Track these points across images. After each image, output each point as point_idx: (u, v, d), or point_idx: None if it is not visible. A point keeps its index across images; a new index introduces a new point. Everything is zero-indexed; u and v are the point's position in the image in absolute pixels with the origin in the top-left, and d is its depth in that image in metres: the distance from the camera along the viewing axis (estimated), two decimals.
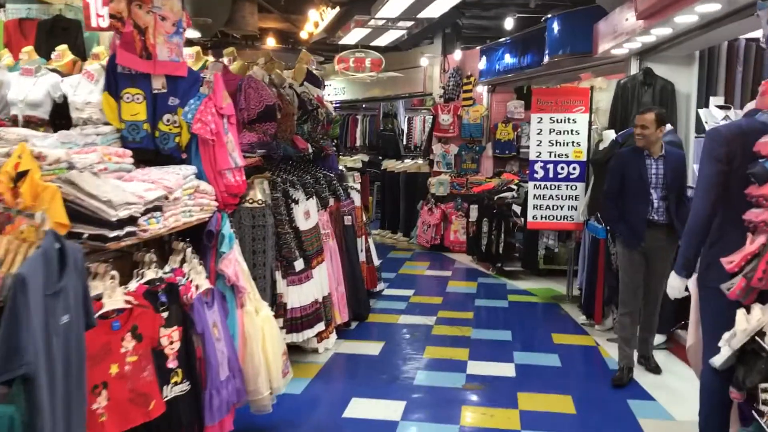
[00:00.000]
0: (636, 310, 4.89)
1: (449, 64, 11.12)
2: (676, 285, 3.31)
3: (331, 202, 6.08)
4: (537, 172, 7.09)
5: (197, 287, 3.13)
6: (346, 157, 14.61)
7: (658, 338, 5.68)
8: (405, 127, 15.22)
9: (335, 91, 14.53)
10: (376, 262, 7.40)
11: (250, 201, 4.53)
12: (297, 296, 4.96)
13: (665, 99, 6.50)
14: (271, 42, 10.58)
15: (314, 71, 6.92)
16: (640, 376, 4.94)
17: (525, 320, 6.68)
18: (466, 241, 9.95)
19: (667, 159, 4.70)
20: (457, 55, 10.95)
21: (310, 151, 5.77)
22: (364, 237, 6.99)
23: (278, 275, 4.86)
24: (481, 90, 11.00)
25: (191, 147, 3.35)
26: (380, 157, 13.85)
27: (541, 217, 7.08)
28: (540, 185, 7.07)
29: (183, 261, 3.18)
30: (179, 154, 3.35)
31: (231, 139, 3.47)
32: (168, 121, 3.36)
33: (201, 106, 3.29)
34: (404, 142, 15.06)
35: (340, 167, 7.45)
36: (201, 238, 3.39)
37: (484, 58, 10.49)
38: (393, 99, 13.78)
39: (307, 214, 5.35)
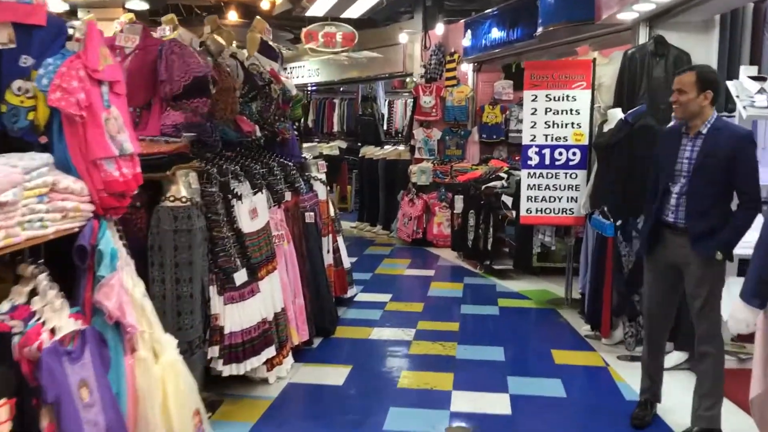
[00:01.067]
0: (658, 336, 3.90)
1: (431, 41, 10.11)
2: (742, 317, 2.37)
3: (288, 196, 5.08)
4: (531, 159, 6.11)
5: (53, 331, 2.14)
6: (323, 143, 13.62)
7: (679, 356, 4.75)
8: (385, 112, 14.22)
9: (309, 72, 13.47)
10: (347, 263, 6.42)
11: (171, 199, 3.52)
12: (238, 317, 3.96)
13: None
14: (233, 16, 9.54)
15: (270, 42, 5.91)
16: (668, 412, 3.99)
17: (519, 332, 5.73)
18: (450, 236, 8.99)
19: (706, 139, 3.49)
20: (440, 29, 9.93)
21: (259, 134, 4.76)
22: (331, 235, 6.00)
23: (213, 291, 3.86)
24: (466, 69, 10.00)
25: (52, 127, 2.34)
26: (359, 144, 12.86)
27: (536, 211, 6.12)
28: (534, 173, 6.11)
29: (34, 293, 2.19)
30: (35, 137, 2.35)
31: (116, 116, 2.46)
32: (20, 89, 2.35)
33: (63, 67, 2.28)
34: (385, 128, 14.07)
35: (305, 155, 6.44)
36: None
37: (469, 33, 9.48)
38: (370, 81, 12.75)
39: (254, 212, 4.35)
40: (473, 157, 10.03)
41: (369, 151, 11.33)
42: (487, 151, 10.10)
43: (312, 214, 5.39)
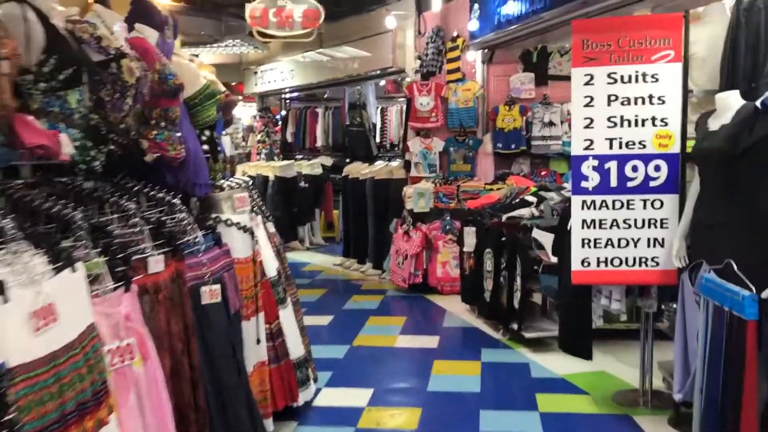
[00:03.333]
0: None
1: (426, 25, 7.81)
2: None
3: (156, 266, 2.75)
4: (587, 179, 3.76)
5: None
6: (303, 161, 11.35)
7: None
8: (378, 121, 11.93)
9: (282, 75, 11.22)
10: (298, 351, 4.07)
11: None
12: None
13: None
14: None
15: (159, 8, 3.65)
16: None
17: None
18: (460, 281, 6.64)
19: None
20: (437, 7, 7.61)
21: (70, 151, 2.42)
22: (263, 314, 3.66)
23: None
24: (473, 59, 7.69)
25: None
26: (348, 160, 10.59)
27: (598, 262, 3.77)
28: (594, 203, 3.75)
29: None
30: None
31: None
32: None
33: None
34: (378, 140, 11.80)
35: (234, 180, 4.10)
36: None
37: (476, 8, 7.15)
38: (354, 82, 10.45)
39: (45, 315, 2.02)
40: (486, 174, 7.71)
41: (354, 169, 9.02)
42: (504, 165, 7.77)
43: (214, 289, 3.05)
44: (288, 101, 12.36)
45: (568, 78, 7.89)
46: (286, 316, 4.09)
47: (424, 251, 7.15)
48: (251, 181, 4.57)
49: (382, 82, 12.44)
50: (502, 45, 7.19)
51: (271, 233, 4.41)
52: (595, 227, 3.74)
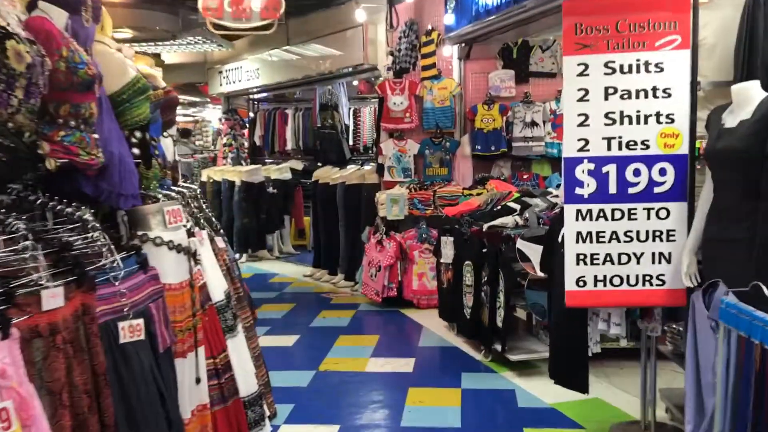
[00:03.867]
0: None
1: (398, 18, 7.28)
2: None
3: (53, 301, 2.17)
4: (581, 184, 3.24)
5: None
6: (272, 165, 10.78)
7: None
8: (351, 123, 11.39)
9: (247, 75, 10.63)
10: (250, 388, 3.50)
11: None
12: None
13: None
14: None
15: None
16: None
17: None
18: (438, 295, 6.11)
19: None
20: None
21: None
22: (203, 348, 3.10)
23: None
24: (449, 54, 7.17)
25: None
26: (320, 164, 10.04)
27: (595, 281, 3.25)
28: (589, 212, 3.23)
29: None
30: None
31: None
32: None
33: None
34: (350, 142, 11.27)
35: (184, 186, 3.53)
36: None
37: None
38: (321, 80, 9.89)
39: None
40: (465, 179, 7.20)
41: (324, 174, 8.46)
42: (484, 168, 7.26)
43: (135, 324, 2.48)
44: (256, 102, 11.76)
45: (551, 75, 7.51)
46: (237, 346, 3.52)
47: (398, 262, 6.61)
48: (198, 190, 4.00)
49: (355, 82, 11.93)
50: (480, 38, 6.68)
51: (221, 249, 3.84)
52: (591, 241, 3.22)
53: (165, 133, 4.22)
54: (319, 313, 6.61)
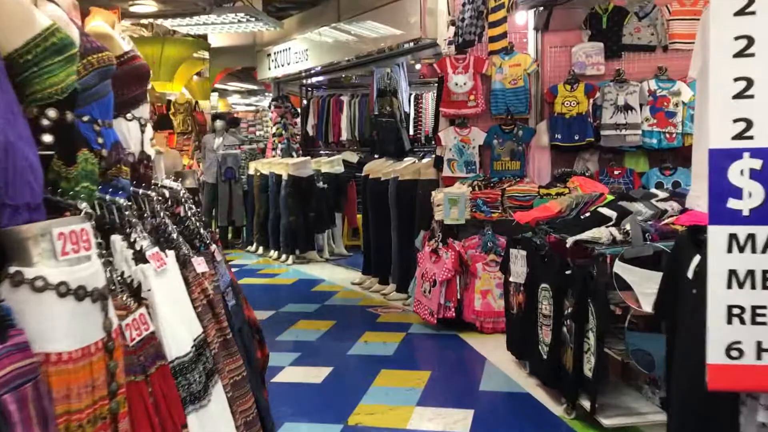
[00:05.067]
0: None
1: None
2: None
3: None
4: (739, 193, 1.99)
5: None
6: (322, 157, 9.75)
7: None
8: (411, 110, 10.24)
9: (296, 57, 9.60)
10: None
11: None
12: None
13: None
14: None
15: None
16: None
17: None
18: (505, 321, 4.90)
19: None
20: None
21: None
22: (160, 424, 2.02)
23: None
24: (524, 21, 5.91)
25: None
26: (376, 156, 8.95)
27: (758, 351, 2.00)
28: (752, 239, 1.99)
29: None
30: None
31: None
32: None
33: None
34: (411, 132, 10.14)
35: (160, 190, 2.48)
36: None
37: None
38: (374, 61, 8.78)
39: None
40: (540, 174, 5.96)
41: (375, 168, 7.36)
42: (565, 162, 6.01)
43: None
44: (309, 89, 10.74)
45: (649, 48, 6.13)
46: (207, 420, 2.44)
47: (457, 276, 5.44)
48: (183, 191, 2.95)
49: (418, 66, 10.76)
50: (562, 1, 5.39)
51: (201, 274, 2.77)
52: (754, 286, 1.97)
53: (130, 115, 3.15)
54: (361, 334, 5.51)
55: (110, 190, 2.40)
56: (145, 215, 2.23)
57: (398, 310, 6.34)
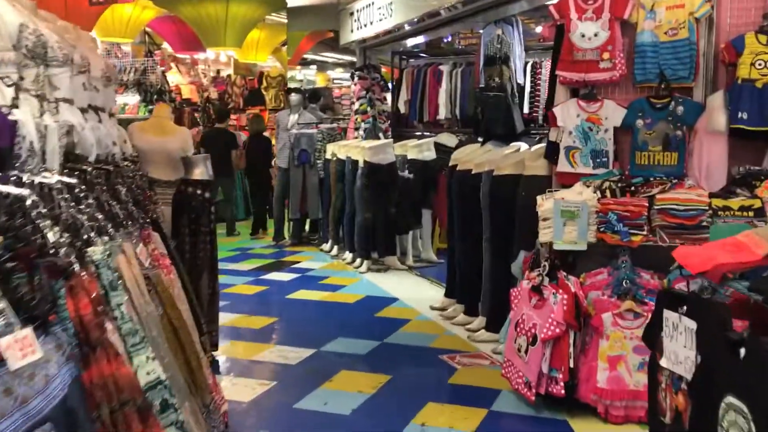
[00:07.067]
0: None
1: None
2: None
3: None
4: None
5: None
6: (411, 140, 7.93)
7: None
8: (527, 82, 8.22)
9: (379, 13, 7.75)
10: None
11: None
12: None
13: None
14: None
15: None
16: None
17: None
18: (648, 416, 2.89)
19: None
20: None
21: None
22: None
23: None
24: None
25: None
26: (480, 139, 7.02)
27: None
28: None
29: None
30: None
31: None
32: None
33: None
34: (526, 110, 8.13)
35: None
36: None
37: None
38: (470, 15, 6.80)
39: None
40: (711, 173, 3.85)
41: (465, 157, 5.48)
42: (751, 156, 3.85)
43: None
44: (404, 57, 8.90)
45: None
46: None
47: (570, 333, 3.47)
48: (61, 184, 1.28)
49: (538, 29, 8.66)
50: None
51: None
52: None
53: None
54: (421, 407, 3.68)
55: None
56: None
57: (484, 362, 4.45)
